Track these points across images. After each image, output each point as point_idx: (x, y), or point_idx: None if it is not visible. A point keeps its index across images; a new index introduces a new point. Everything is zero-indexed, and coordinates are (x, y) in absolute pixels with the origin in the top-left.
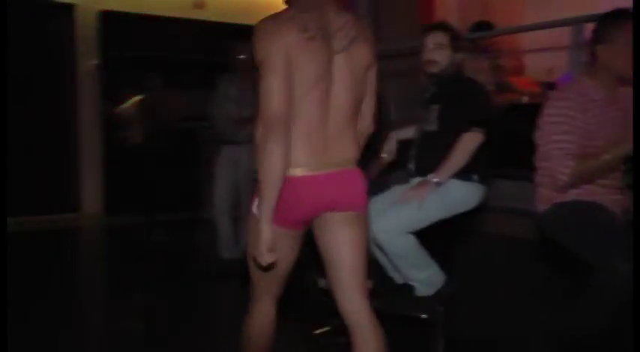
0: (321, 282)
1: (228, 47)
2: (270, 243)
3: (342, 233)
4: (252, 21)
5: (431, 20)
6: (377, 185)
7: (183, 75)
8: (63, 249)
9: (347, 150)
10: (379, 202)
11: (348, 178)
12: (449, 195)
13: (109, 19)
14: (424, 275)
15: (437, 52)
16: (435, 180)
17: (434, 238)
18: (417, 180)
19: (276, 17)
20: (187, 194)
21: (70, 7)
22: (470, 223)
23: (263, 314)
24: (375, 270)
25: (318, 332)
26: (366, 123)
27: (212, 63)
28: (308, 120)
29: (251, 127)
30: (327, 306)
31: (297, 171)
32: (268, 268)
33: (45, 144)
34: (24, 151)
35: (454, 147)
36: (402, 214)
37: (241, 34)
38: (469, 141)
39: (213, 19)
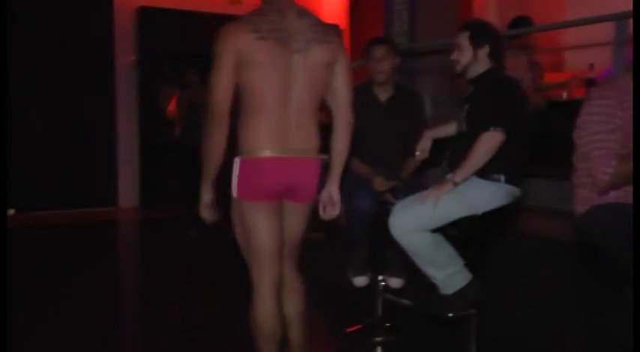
0: (358, 281)
1: None
2: (209, 203)
3: (291, 219)
4: None
5: (469, 17)
6: (411, 184)
7: None
8: (101, 241)
9: (307, 140)
10: (406, 200)
11: (305, 165)
12: (467, 194)
13: (147, 14)
14: (442, 274)
15: (456, 52)
16: (452, 179)
17: (468, 238)
18: None
19: (235, 21)
20: (223, 190)
21: (108, 3)
22: (506, 223)
23: (264, 301)
24: (406, 268)
25: (351, 330)
26: (345, 115)
27: None
28: (269, 111)
29: None
30: (360, 305)
31: (263, 153)
32: (209, 224)
33: (83, 139)
34: (62, 146)
35: (472, 147)
36: (417, 212)
37: None
38: (487, 141)
39: None
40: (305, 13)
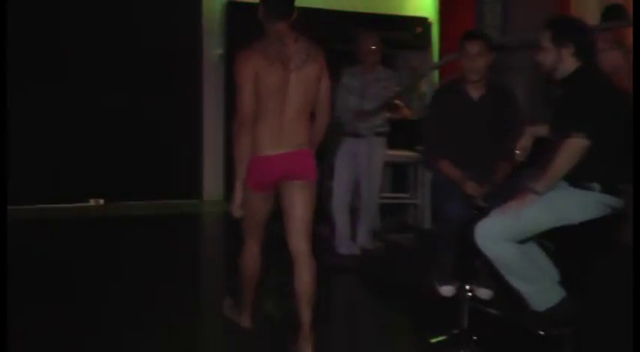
0: (445, 290)
1: (355, 37)
2: (239, 203)
3: (295, 195)
4: (382, 10)
5: (567, 8)
6: (505, 188)
7: None
8: (186, 232)
9: (298, 137)
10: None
11: (299, 156)
12: (557, 203)
13: (235, 8)
14: (529, 289)
15: (541, 54)
16: (534, 189)
17: (564, 251)
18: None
19: (249, 48)
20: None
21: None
22: (606, 235)
23: (249, 252)
24: (496, 278)
25: (434, 340)
26: (324, 118)
27: (341, 52)
28: (271, 118)
29: (373, 120)
30: (446, 315)
31: (264, 153)
32: (240, 218)
33: (170, 133)
34: (150, 138)
35: (555, 154)
36: (500, 221)
37: (370, 23)
38: (568, 148)
39: (335, 7)
40: (299, 38)
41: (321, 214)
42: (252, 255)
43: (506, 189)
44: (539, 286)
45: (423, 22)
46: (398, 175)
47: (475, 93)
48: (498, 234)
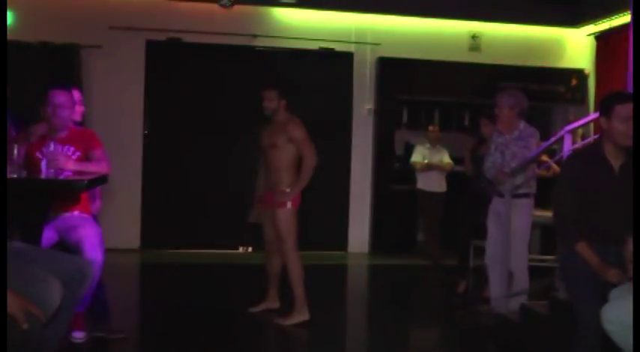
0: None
1: (497, 91)
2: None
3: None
4: (537, 62)
5: None
6: None
7: (457, 118)
8: (331, 282)
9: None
10: (623, 287)
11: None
12: None
13: (385, 64)
14: None
15: None
16: None
17: None
18: None
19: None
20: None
21: (349, 56)
22: None
23: (265, 254)
24: None
25: None
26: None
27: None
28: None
29: (512, 180)
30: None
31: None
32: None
33: (321, 184)
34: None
35: None
36: (629, 308)
37: (525, 76)
38: None
39: (488, 61)
40: None
41: (461, 269)
42: (271, 256)
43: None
44: None
45: (578, 73)
46: (547, 236)
47: (615, 161)
48: (630, 319)
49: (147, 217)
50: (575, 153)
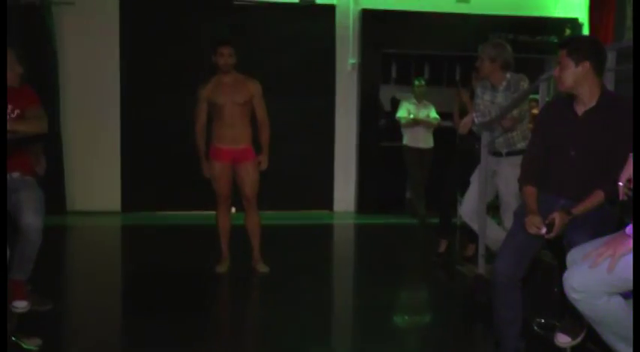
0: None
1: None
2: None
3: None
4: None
5: None
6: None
7: (447, 71)
8: (315, 242)
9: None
10: (580, 249)
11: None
12: None
13: (369, 17)
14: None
15: None
16: (630, 234)
17: None
18: None
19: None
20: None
21: (331, 8)
22: None
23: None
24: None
25: None
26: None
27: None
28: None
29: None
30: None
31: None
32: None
33: (304, 143)
34: (284, 147)
35: None
36: (593, 274)
37: (516, 26)
38: None
39: (477, 12)
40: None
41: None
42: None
43: (591, 224)
44: None
45: (572, 23)
46: None
47: (581, 107)
48: (592, 287)
49: (127, 179)
50: (550, 101)
